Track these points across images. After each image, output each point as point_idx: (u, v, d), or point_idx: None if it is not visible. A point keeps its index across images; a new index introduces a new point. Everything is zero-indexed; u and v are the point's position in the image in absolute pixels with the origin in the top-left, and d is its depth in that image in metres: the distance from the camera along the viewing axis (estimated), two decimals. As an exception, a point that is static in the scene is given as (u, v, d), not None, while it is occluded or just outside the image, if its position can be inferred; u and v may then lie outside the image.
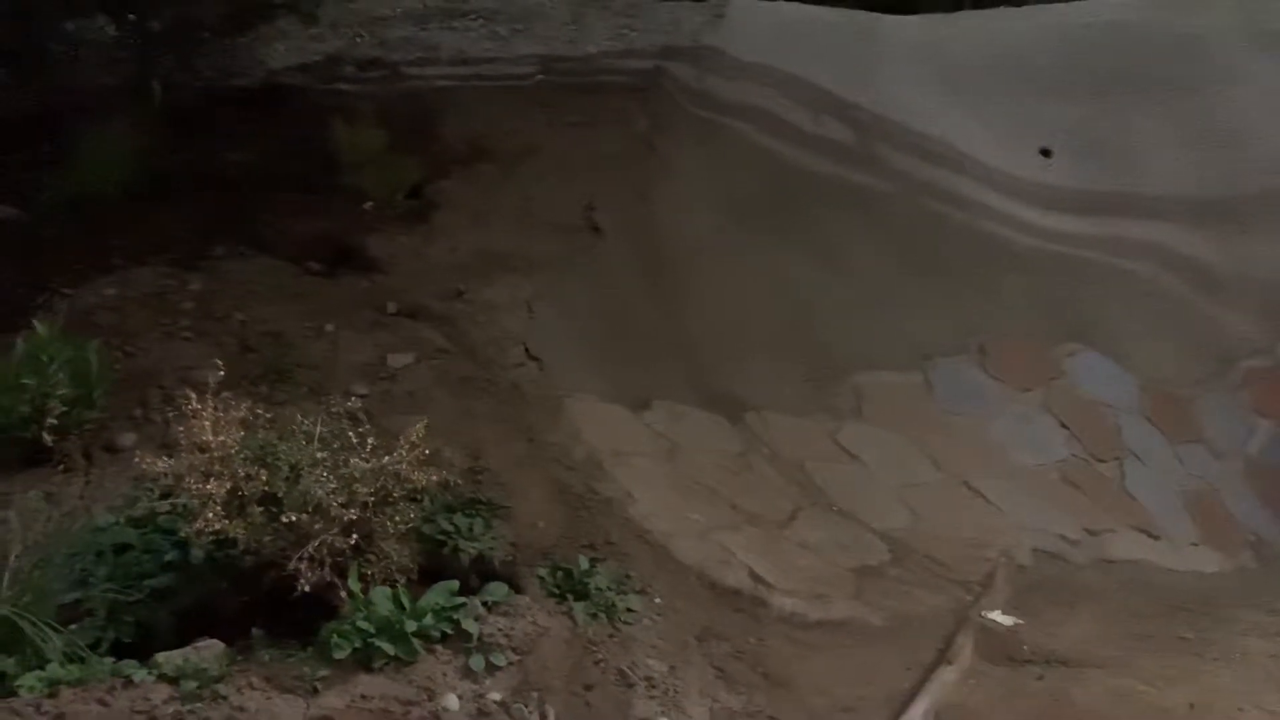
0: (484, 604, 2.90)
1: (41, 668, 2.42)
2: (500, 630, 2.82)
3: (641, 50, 6.61)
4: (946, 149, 6.19)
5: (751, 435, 4.52)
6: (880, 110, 6.21)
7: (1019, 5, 7.57)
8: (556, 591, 3.17)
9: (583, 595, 3.17)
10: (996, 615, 3.59)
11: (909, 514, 4.43)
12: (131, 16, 6.18)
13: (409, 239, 5.37)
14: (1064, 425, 5.23)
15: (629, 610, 3.22)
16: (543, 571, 3.23)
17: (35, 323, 3.48)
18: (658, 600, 3.35)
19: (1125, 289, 5.95)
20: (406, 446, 2.94)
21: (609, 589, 3.23)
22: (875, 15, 7.09)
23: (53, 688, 2.33)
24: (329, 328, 4.49)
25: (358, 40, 7.53)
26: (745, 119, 5.97)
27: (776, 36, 6.44)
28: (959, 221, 6.00)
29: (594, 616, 3.09)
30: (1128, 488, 5.06)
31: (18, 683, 2.35)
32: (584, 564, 3.31)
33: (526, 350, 4.57)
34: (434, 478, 2.98)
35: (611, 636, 3.08)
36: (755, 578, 3.66)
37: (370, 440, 2.93)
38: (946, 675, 3.20)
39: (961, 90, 6.43)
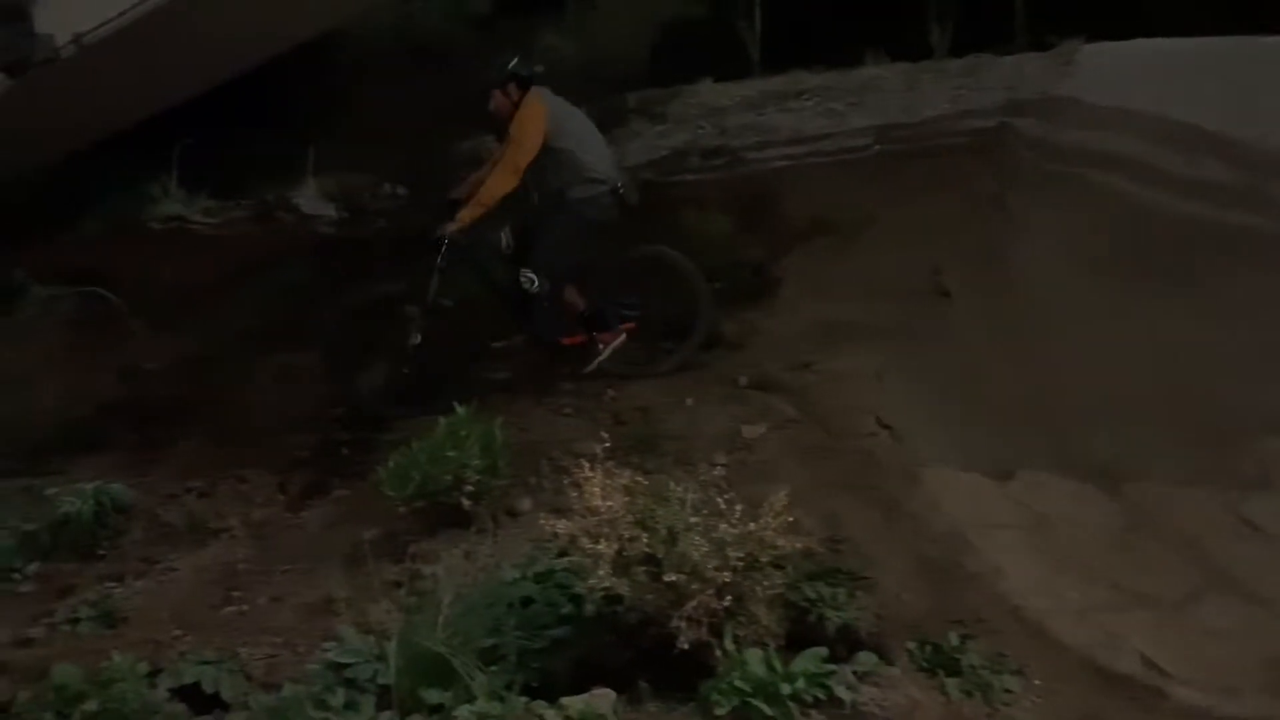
0: (854, 673, 2.91)
1: (470, 702, 2.78)
2: (873, 700, 2.80)
3: (983, 109, 6.48)
4: (1357, 181, 5.38)
5: (1133, 507, 4.13)
6: (1270, 144, 5.56)
7: None
8: (926, 666, 3.10)
9: (954, 671, 3.07)
10: None
11: (1337, 598, 3.80)
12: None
13: (756, 315, 5.62)
14: None
15: (1006, 690, 3.06)
16: (911, 645, 3.18)
17: (454, 404, 4.07)
18: (1036, 682, 3.15)
19: None
20: (771, 514, 3.06)
21: (983, 667, 3.10)
22: (1254, 39, 6.39)
23: (481, 720, 2.68)
24: (688, 401, 4.80)
25: (699, 131, 8.06)
26: (1106, 168, 5.61)
27: (1137, 77, 6.02)
28: (1379, 264, 5.16)
29: (968, 694, 2.98)
30: None
31: (454, 713, 2.73)
32: (954, 640, 3.21)
33: (878, 419, 4.55)
34: (798, 545, 3.06)
35: (988, 716, 2.95)
36: (1149, 664, 3.32)
37: (738, 507, 3.08)
38: None
39: (1373, 111, 5.59)
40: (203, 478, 5.06)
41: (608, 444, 3.27)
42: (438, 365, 5.18)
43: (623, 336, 5.14)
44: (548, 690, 2.94)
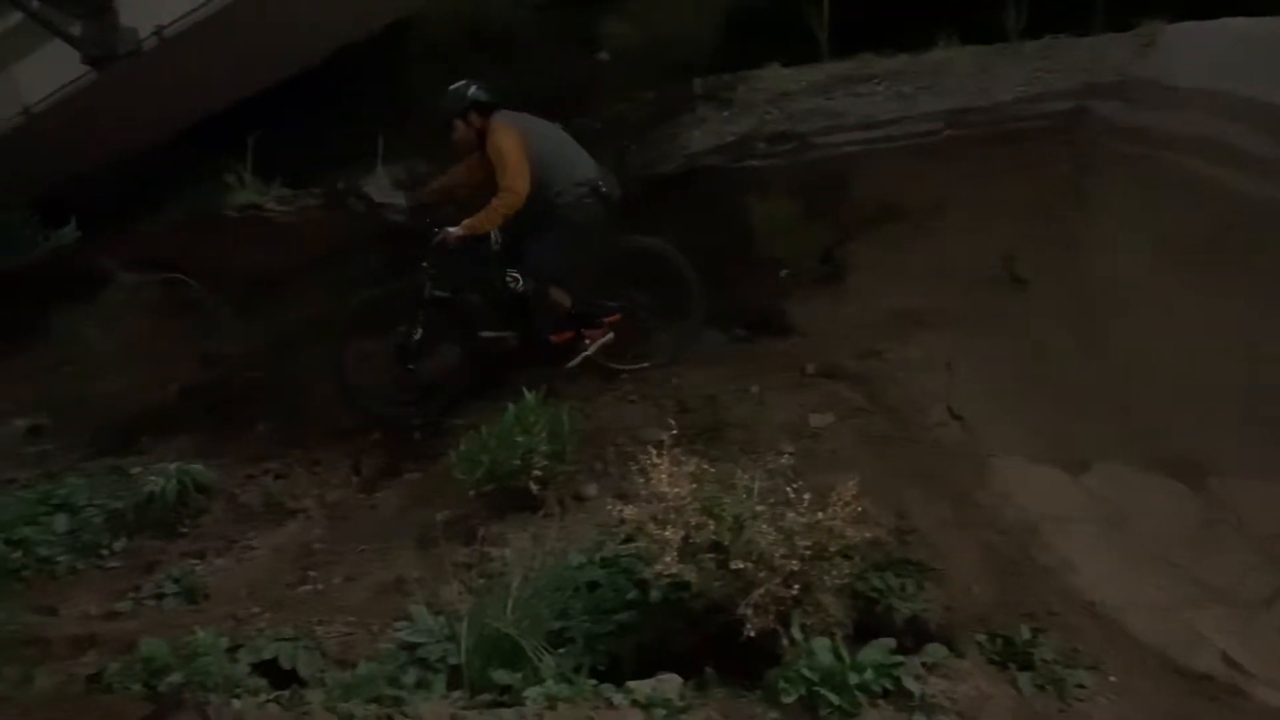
0: (923, 665, 2.89)
1: (539, 684, 2.83)
2: (942, 692, 2.79)
3: (1060, 92, 6.24)
4: None
5: (1215, 503, 4.00)
6: (1366, 125, 5.29)
7: None
8: (997, 659, 3.07)
9: (1026, 665, 3.04)
10: None
11: None
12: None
13: (823, 302, 5.55)
14: None
15: (1079, 686, 3.02)
16: (981, 637, 3.14)
17: (524, 390, 4.13)
18: (1112, 679, 3.10)
19: None
20: (840, 504, 3.04)
21: (1055, 661, 3.06)
22: (1354, 16, 6.08)
23: (550, 702, 2.72)
24: (754, 389, 4.77)
25: (766, 117, 7.96)
26: (1188, 152, 5.38)
27: (1223, 58, 5.76)
28: None
29: (1041, 688, 2.95)
30: None
31: (524, 694, 2.78)
32: (1025, 633, 3.17)
33: (948, 409, 4.47)
34: (867, 535, 3.05)
35: (1062, 711, 2.91)
36: (1230, 663, 3.24)
37: (806, 496, 3.07)
38: None
39: None
40: (279, 460, 5.21)
41: (674, 431, 3.28)
42: (440, 364, 5.21)
43: (611, 334, 5.13)
44: (614, 674, 2.99)
